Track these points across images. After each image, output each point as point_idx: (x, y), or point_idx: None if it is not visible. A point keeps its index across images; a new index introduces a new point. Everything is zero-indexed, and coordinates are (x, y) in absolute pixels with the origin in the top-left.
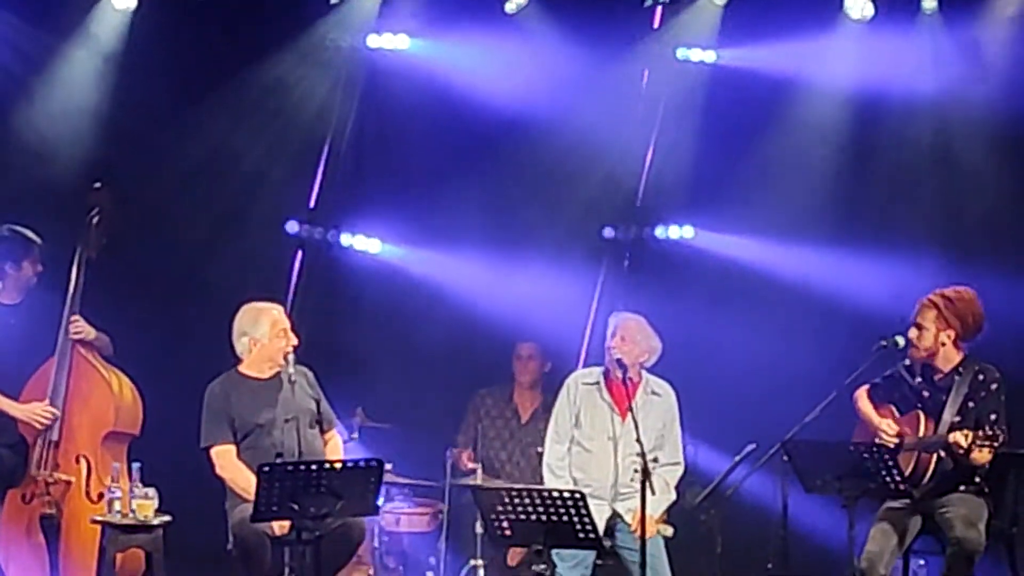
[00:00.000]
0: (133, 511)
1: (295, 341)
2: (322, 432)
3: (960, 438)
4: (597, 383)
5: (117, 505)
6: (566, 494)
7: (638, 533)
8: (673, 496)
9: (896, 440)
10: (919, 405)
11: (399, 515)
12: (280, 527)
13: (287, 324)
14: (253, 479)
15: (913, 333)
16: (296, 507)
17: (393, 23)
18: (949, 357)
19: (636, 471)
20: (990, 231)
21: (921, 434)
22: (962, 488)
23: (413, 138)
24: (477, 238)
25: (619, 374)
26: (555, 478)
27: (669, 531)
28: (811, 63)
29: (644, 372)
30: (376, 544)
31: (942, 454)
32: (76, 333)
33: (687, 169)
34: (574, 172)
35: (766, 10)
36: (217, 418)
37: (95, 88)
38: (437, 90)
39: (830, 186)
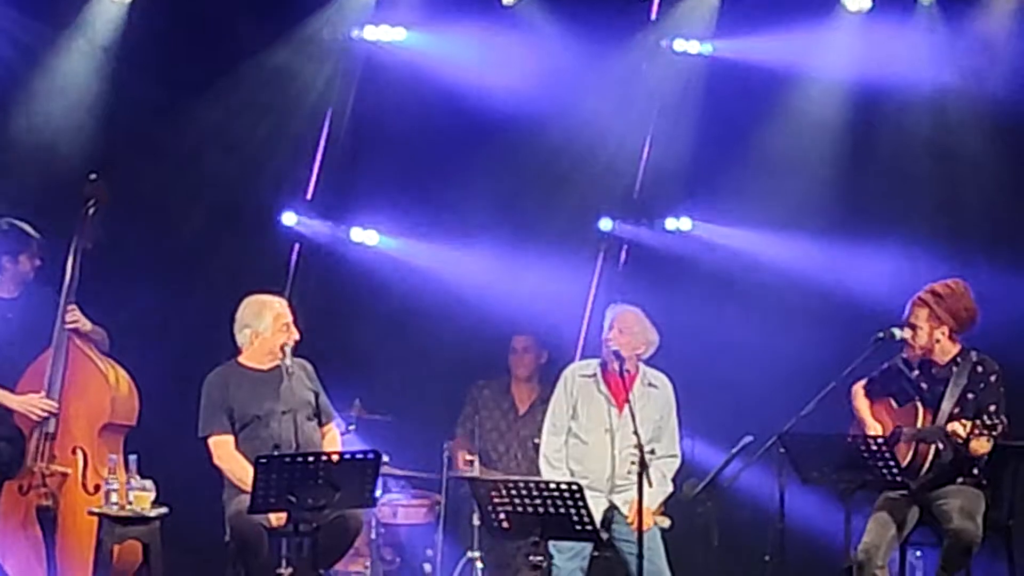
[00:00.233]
0: (130, 503)
1: (296, 335)
2: (320, 425)
3: (959, 428)
4: (594, 375)
5: (114, 497)
6: (563, 486)
7: (635, 525)
8: (670, 488)
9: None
10: (917, 397)
11: (396, 507)
12: (277, 519)
13: (290, 318)
14: (250, 470)
15: (907, 333)
16: (293, 499)
17: (391, 14)
18: (946, 350)
19: (633, 463)
20: (987, 222)
21: (919, 426)
22: (960, 480)
23: (410, 131)
24: (474, 230)
25: (616, 366)
26: (552, 470)
27: (666, 523)
28: (809, 55)
29: (641, 364)
30: (373, 536)
31: (940, 445)
32: (72, 323)
33: (684, 161)
34: (572, 164)
35: (763, 1)
36: (216, 408)
37: (91, 80)
38: (434, 82)
39: (827, 178)
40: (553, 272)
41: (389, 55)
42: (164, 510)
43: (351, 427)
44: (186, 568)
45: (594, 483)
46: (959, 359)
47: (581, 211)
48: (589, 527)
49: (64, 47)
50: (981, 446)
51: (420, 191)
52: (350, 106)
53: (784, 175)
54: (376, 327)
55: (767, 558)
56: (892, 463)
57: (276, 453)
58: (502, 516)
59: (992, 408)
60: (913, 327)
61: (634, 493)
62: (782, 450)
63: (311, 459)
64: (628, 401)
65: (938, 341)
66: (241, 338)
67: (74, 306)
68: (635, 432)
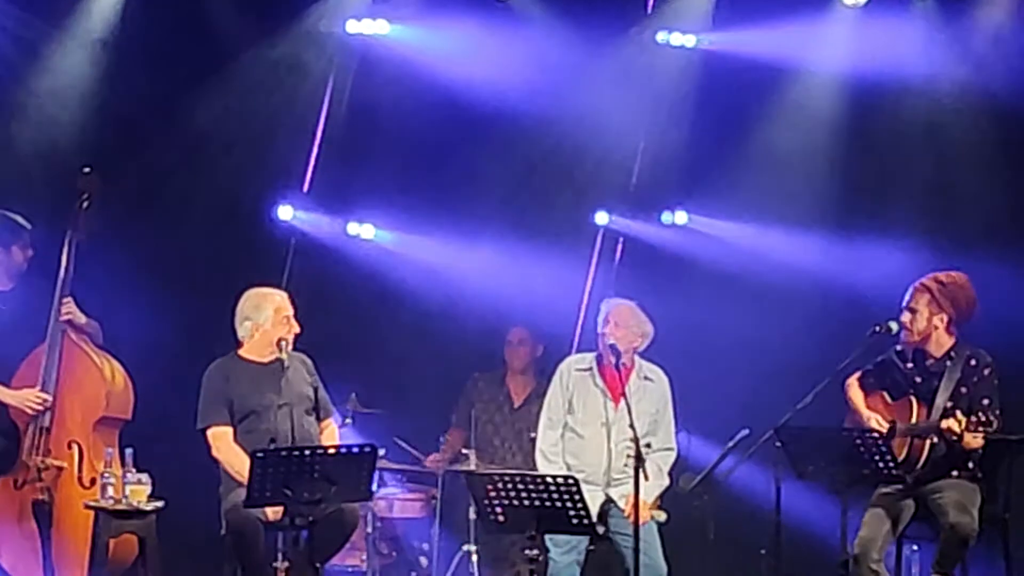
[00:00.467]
0: (126, 496)
1: (297, 329)
2: (319, 420)
3: (953, 424)
4: (590, 369)
5: (110, 491)
6: (559, 479)
7: (632, 518)
8: (666, 481)
9: (887, 428)
10: (911, 391)
11: (392, 501)
12: (274, 512)
13: (290, 312)
14: (247, 462)
15: (906, 317)
16: (289, 493)
17: (387, 9)
18: (941, 342)
19: (629, 456)
20: (983, 216)
21: (914, 420)
22: (955, 473)
23: (407, 125)
24: (471, 224)
25: (612, 360)
26: (548, 464)
27: (662, 517)
28: (805, 48)
29: (637, 357)
30: (369, 530)
31: (935, 439)
32: (67, 315)
33: (681, 155)
34: (568, 158)
35: None
36: (215, 400)
37: (86, 74)
38: (431, 77)
39: (824, 171)
40: (550, 266)
41: (385, 49)
42: (160, 504)
43: (347, 421)
44: (182, 562)
45: (590, 477)
46: (953, 353)
47: (577, 205)
48: (585, 521)
49: (60, 41)
50: (975, 442)
51: (416, 185)
52: (347, 100)
53: (781, 168)
54: (372, 321)
55: (763, 552)
56: (888, 457)
57: (272, 447)
58: (498, 509)
59: (986, 402)
60: (912, 311)
61: (630, 487)
62: (778, 444)
63: (307, 453)
64: (624, 395)
65: (936, 328)
66: (242, 331)
67: (69, 299)
68: (631, 426)
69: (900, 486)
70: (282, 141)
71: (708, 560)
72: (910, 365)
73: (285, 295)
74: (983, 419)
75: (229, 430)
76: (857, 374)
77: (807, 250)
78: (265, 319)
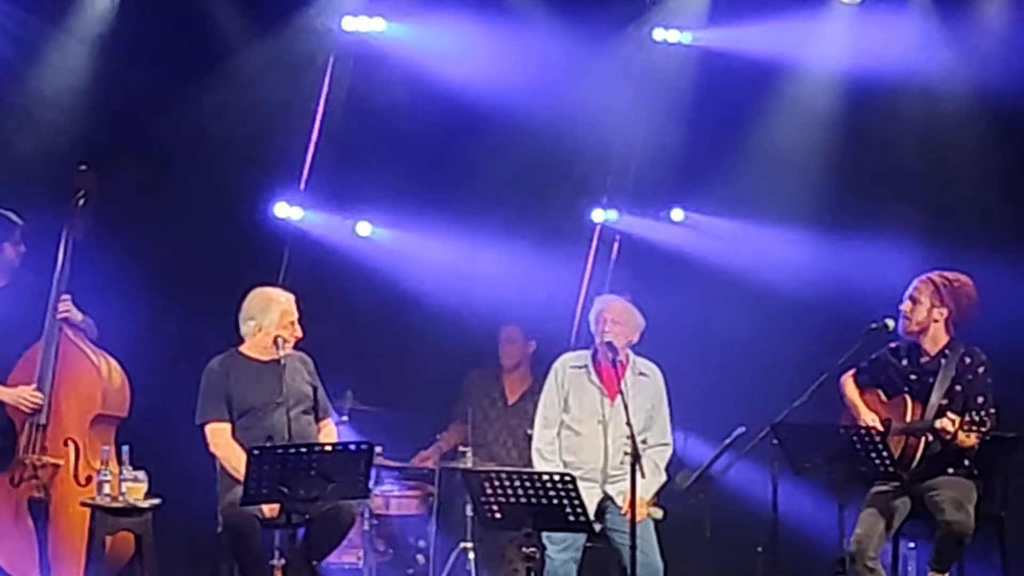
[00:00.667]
0: (123, 494)
1: (300, 334)
2: (317, 420)
3: (947, 424)
4: (585, 366)
5: (106, 488)
6: (556, 477)
7: (629, 516)
8: (663, 478)
9: (883, 426)
10: (906, 389)
11: (389, 498)
12: (270, 510)
13: (295, 316)
14: (245, 458)
15: (907, 305)
16: (286, 490)
17: (382, 6)
18: (937, 338)
19: (626, 453)
20: (979, 214)
21: (908, 418)
22: (951, 471)
23: (404, 122)
24: (468, 222)
25: (610, 357)
26: (545, 462)
27: (659, 514)
28: (802, 45)
29: (631, 353)
30: (366, 527)
31: (930, 437)
32: (64, 312)
33: (677, 152)
34: (564, 155)
35: None
36: (214, 396)
37: (83, 71)
38: (427, 74)
39: (820, 169)
40: (547, 263)
41: (383, 46)
42: (157, 501)
43: (344, 418)
44: (179, 559)
45: (588, 474)
46: (947, 351)
47: (574, 202)
48: (582, 518)
49: (56, 38)
50: (969, 440)
51: (414, 182)
52: (344, 98)
53: (778, 166)
54: (369, 318)
55: (759, 549)
56: (885, 454)
57: (269, 444)
58: (495, 507)
59: (980, 400)
60: (915, 300)
61: (628, 483)
62: (775, 441)
63: (304, 450)
64: (621, 392)
65: (935, 321)
66: (245, 328)
67: (67, 297)
68: (628, 423)
69: (896, 484)
70: (279, 138)
71: (705, 557)
72: (905, 362)
73: (292, 297)
74: (977, 418)
75: (228, 426)
76: (852, 371)
77: (804, 248)
78: (270, 322)
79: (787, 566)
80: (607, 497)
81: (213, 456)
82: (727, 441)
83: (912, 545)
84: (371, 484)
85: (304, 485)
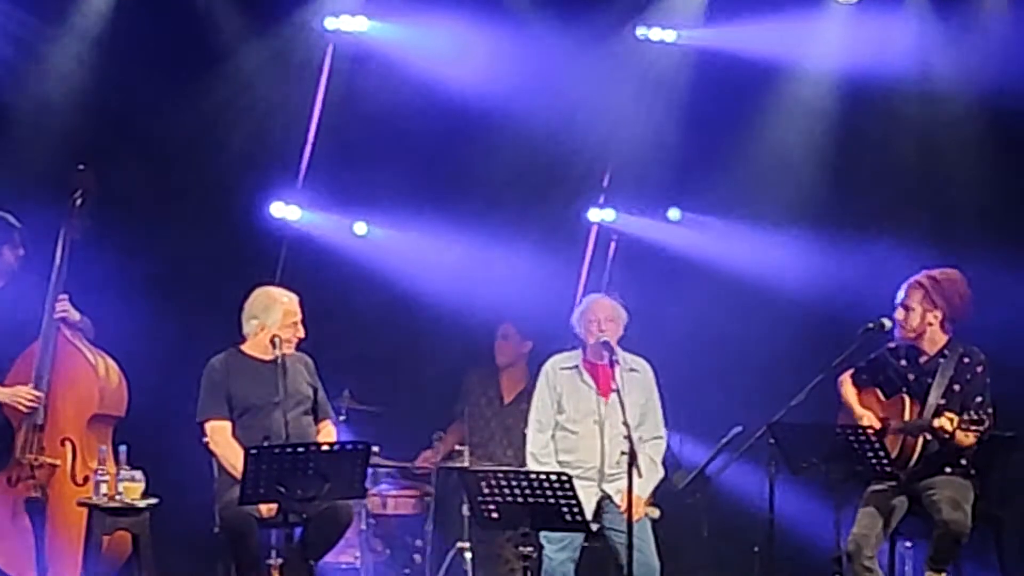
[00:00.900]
0: (120, 494)
1: (302, 334)
2: (316, 421)
3: (945, 423)
4: (576, 366)
5: (104, 488)
6: (553, 476)
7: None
8: (661, 472)
9: (880, 426)
10: (904, 388)
11: (386, 498)
12: (268, 509)
13: (299, 316)
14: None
15: (900, 314)
16: (283, 490)
17: (377, 7)
18: (935, 339)
19: (623, 453)
20: (976, 214)
21: (906, 417)
22: (948, 470)
23: (400, 123)
24: (465, 221)
25: (606, 356)
26: (539, 466)
27: (656, 513)
28: (798, 45)
29: (619, 349)
30: (363, 527)
31: (928, 436)
32: (61, 312)
33: (672, 152)
34: (560, 155)
35: None
36: (215, 393)
37: (80, 70)
38: (422, 75)
39: (816, 169)
40: (543, 263)
41: (378, 47)
42: (154, 501)
43: (341, 418)
44: (176, 559)
45: (586, 473)
46: (946, 350)
47: (570, 201)
48: (579, 518)
49: (53, 38)
50: (967, 439)
51: (411, 182)
52: (340, 98)
53: (774, 166)
54: (366, 318)
55: (756, 549)
56: (882, 453)
57: (266, 444)
58: (492, 507)
59: (978, 400)
60: (907, 308)
61: (626, 482)
62: (772, 441)
63: (301, 450)
64: (617, 391)
65: (930, 325)
66: (247, 327)
67: (64, 297)
68: (625, 423)
69: (893, 483)
70: (277, 138)
71: (702, 557)
72: (903, 362)
73: (295, 298)
74: (975, 417)
75: (228, 424)
76: (850, 371)
77: (801, 247)
78: (273, 322)
79: (784, 566)
80: (606, 496)
81: (211, 455)
82: (724, 441)
83: (909, 544)
84: (368, 484)
85: (301, 485)
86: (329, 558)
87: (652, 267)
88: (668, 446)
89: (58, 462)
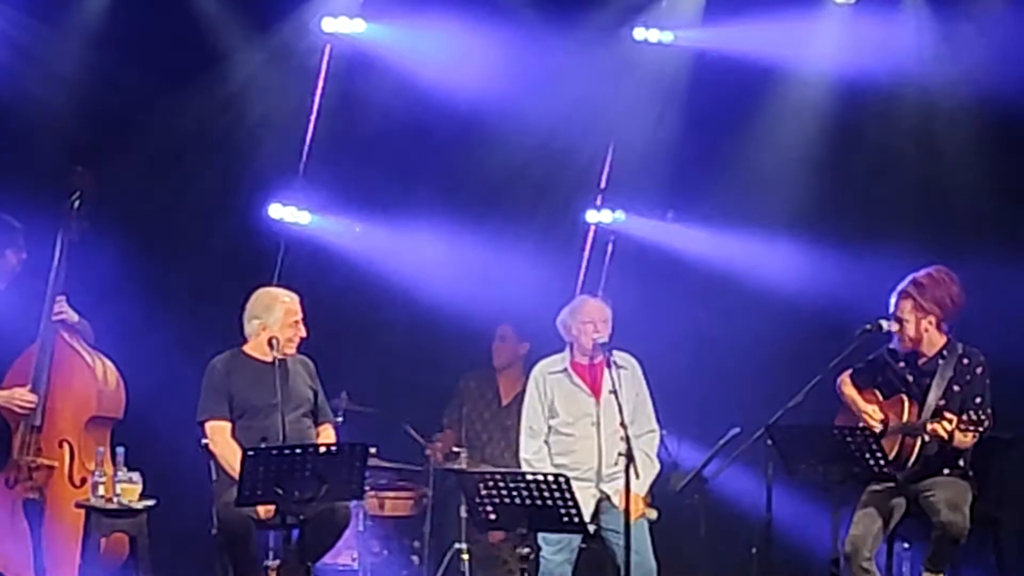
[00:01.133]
0: (117, 495)
1: (304, 333)
2: (316, 424)
3: (940, 429)
4: (564, 370)
5: (101, 489)
6: (550, 478)
7: (632, 513)
8: (657, 465)
9: (881, 425)
10: (903, 389)
11: (384, 499)
12: (265, 511)
13: (300, 315)
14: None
15: (895, 327)
16: (280, 491)
17: (374, 9)
18: (933, 341)
19: (621, 454)
20: (974, 215)
21: (905, 418)
22: (946, 471)
23: (397, 124)
24: (462, 223)
25: (604, 357)
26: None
27: (653, 514)
28: (795, 46)
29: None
30: (361, 528)
31: (927, 438)
32: (59, 314)
33: (671, 154)
34: (558, 157)
35: None
36: (216, 393)
37: (78, 70)
38: (420, 76)
39: (813, 170)
40: (541, 264)
41: (375, 49)
42: (151, 502)
43: (338, 418)
44: (173, 560)
45: (584, 474)
46: (945, 351)
47: (568, 203)
48: (577, 519)
49: (52, 39)
50: (966, 439)
51: (408, 183)
52: (337, 99)
53: (772, 167)
54: (363, 319)
55: (754, 550)
56: (880, 455)
57: (263, 445)
58: (489, 508)
59: (978, 401)
60: (900, 320)
61: (623, 481)
62: (769, 442)
63: (298, 451)
64: (614, 391)
65: (926, 331)
66: (249, 328)
67: (62, 298)
68: (622, 424)
69: (891, 484)
70: (274, 139)
71: (699, 559)
72: (902, 364)
73: (296, 298)
74: (975, 417)
75: (228, 425)
76: (848, 372)
77: (797, 248)
78: (274, 321)
79: (782, 567)
80: (604, 497)
81: (209, 456)
82: (721, 443)
83: (907, 546)
84: (365, 485)
85: (299, 486)
86: (327, 559)
87: (649, 268)
88: (665, 447)
89: (56, 464)
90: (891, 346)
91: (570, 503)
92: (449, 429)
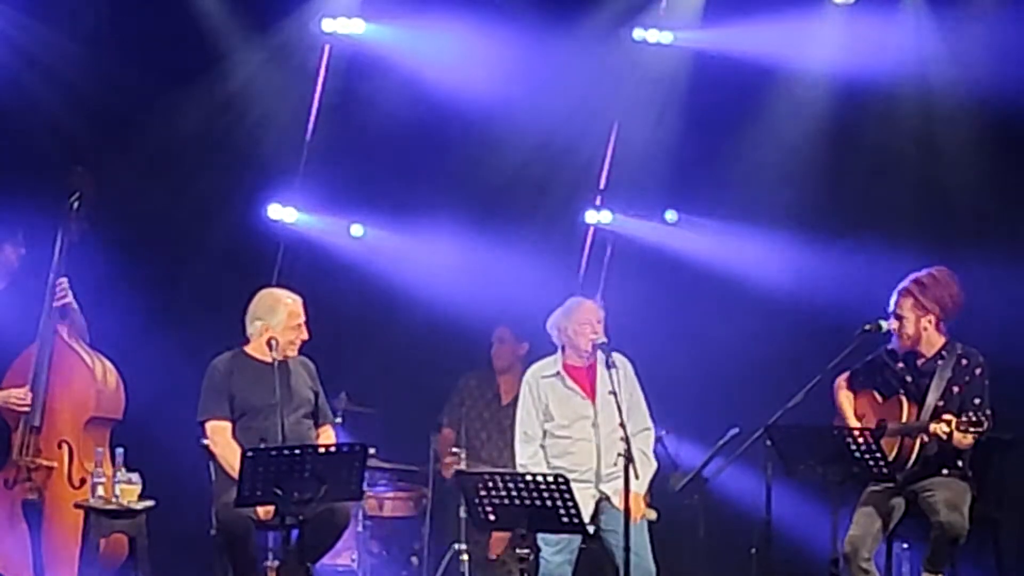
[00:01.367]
0: (116, 496)
1: (306, 335)
2: (317, 426)
3: (939, 431)
4: (557, 373)
5: (100, 490)
6: (550, 478)
7: (631, 514)
8: (654, 464)
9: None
10: (902, 390)
11: (383, 500)
12: (265, 512)
13: (303, 318)
14: None
15: (894, 325)
16: (280, 492)
17: (372, 9)
18: (932, 341)
19: (620, 455)
20: (974, 215)
21: (904, 419)
22: (945, 472)
23: (396, 124)
24: (461, 223)
25: (604, 357)
26: None
27: (653, 515)
28: (795, 46)
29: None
30: (360, 529)
31: (926, 438)
32: (62, 297)
33: (670, 154)
34: (557, 157)
35: None
36: (217, 393)
37: (77, 71)
38: (418, 77)
39: (812, 171)
40: (540, 265)
41: (374, 49)
42: (150, 503)
43: (337, 419)
44: (172, 561)
45: (582, 476)
46: (944, 352)
47: (567, 203)
48: (576, 520)
49: (51, 40)
50: (966, 438)
51: (407, 184)
52: (337, 99)
53: (771, 168)
54: (363, 320)
55: (753, 551)
56: (879, 455)
57: (263, 446)
58: (489, 509)
59: (977, 401)
60: (899, 318)
61: (622, 481)
62: (768, 443)
63: (298, 452)
64: (613, 392)
65: (925, 329)
66: (251, 329)
67: (63, 280)
68: (621, 424)
69: (890, 485)
70: (272, 140)
71: (698, 559)
72: (901, 364)
73: (299, 300)
74: (974, 418)
75: (228, 425)
76: (845, 375)
77: (797, 248)
78: (277, 322)
79: (781, 568)
80: (603, 497)
81: (209, 456)
82: (721, 443)
83: (906, 546)
84: (364, 486)
85: (298, 487)
86: (326, 560)
87: (648, 269)
88: (664, 447)
89: (55, 464)
90: (890, 347)
91: (570, 503)
92: (448, 428)
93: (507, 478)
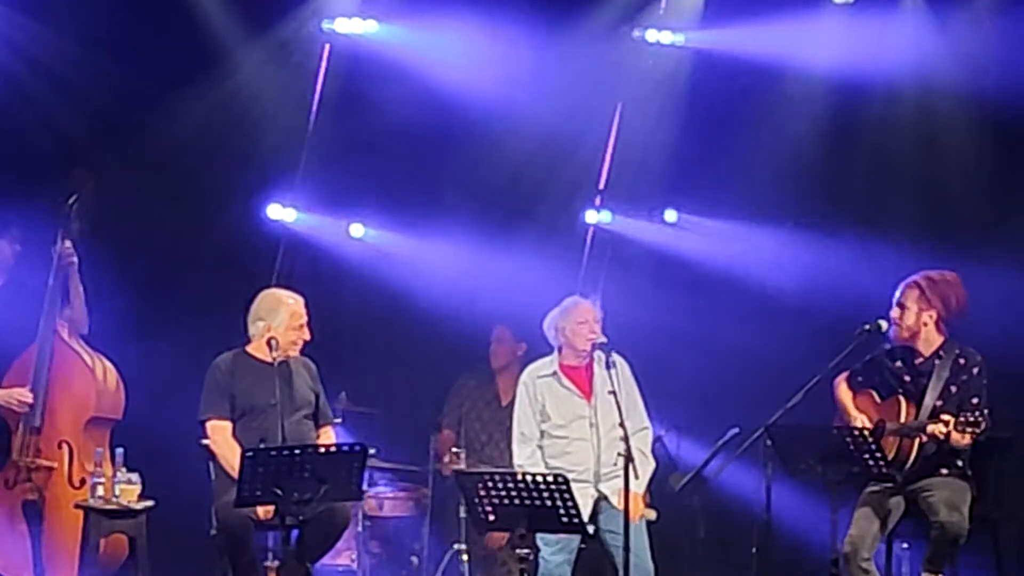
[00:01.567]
0: (116, 496)
1: (308, 336)
2: (317, 426)
3: (938, 430)
4: (554, 373)
5: (100, 490)
6: (549, 478)
7: (631, 513)
8: (653, 463)
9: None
10: (900, 390)
11: (383, 500)
12: (264, 512)
13: (304, 319)
14: None
15: (895, 312)
16: (279, 492)
17: (374, 8)
18: (930, 339)
19: (620, 455)
20: (973, 215)
21: (902, 419)
22: (944, 471)
23: (396, 124)
24: (461, 223)
25: (603, 357)
26: None
27: (652, 515)
28: (794, 46)
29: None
30: (360, 529)
31: (924, 438)
32: (68, 255)
33: (669, 154)
34: (557, 157)
35: None
36: (218, 393)
37: (76, 71)
38: (419, 77)
39: (812, 171)
40: (540, 264)
41: (374, 48)
42: (150, 503)
43: (337, 420)
44: (172, 561)
45: (581, 475)
46: (942, 351)
47: (567, 203)
48: (576, 519)
49: (50, 40)
50: (964, 438)
51: (407, 184)
52: (337, 100)
53: (770, 167)
54: (363, 320)
55: (754, 550)
56: (879, 455)
57: (262, 446)
58: (488, 509)
59: (975, 401)
60: (902, 306)
61: (621, 480)
62: (768, 442)
63: (297, 452)
64: (613, 391)
65: (925, 324)
66: (253, 329)
67: (68, 243)
68: (621, 424)
69: (890, 484)
70: (272, 140)
71: (698, 559)
72: (899, 364)
73: (301, 300)
74: (972, 418)
75: (228, 424)
76: (845, 374)
77: (798, 249)
78: (279, 323)
79: (781, 567)
80: (602, 497)
81: (209, 456)
82: (720, 443)
83: (906, 546)
84: (364, 486)
85: (298, 487)
86: (326, 560)
87: (648, 269)
88: (664, 447)
89: (55, 464)
90: (887, 346)
91: (569, 503)
92: (447, 429)
93: (507, 478)
